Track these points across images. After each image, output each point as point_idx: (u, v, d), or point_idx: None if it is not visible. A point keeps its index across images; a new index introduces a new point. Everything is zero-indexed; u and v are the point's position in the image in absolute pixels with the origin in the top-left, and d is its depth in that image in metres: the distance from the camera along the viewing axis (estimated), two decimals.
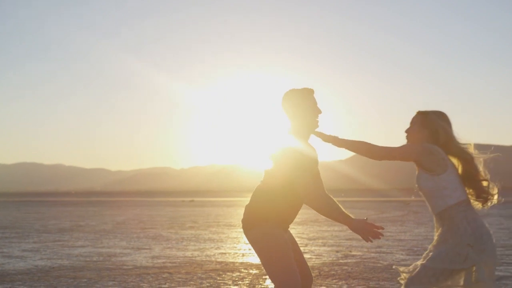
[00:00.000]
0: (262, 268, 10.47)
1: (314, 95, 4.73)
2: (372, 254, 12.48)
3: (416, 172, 4.66)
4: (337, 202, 4.57)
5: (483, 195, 4.68)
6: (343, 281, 9.03)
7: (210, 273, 9.94)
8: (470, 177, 4.67)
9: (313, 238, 16.57)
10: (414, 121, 4.77)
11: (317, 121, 4.70)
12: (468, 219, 4.49)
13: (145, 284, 8.88)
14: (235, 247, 14.48)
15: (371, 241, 4.55)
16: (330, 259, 11.78)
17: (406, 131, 4.79)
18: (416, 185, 4.66)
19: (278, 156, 4.60)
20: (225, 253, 13.04)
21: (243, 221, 4.70)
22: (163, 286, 8.74)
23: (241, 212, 35.32)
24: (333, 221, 4.84)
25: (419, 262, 4.61)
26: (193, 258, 12.11)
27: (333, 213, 4.49)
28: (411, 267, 4.64)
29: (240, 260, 11.78)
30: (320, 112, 4.70)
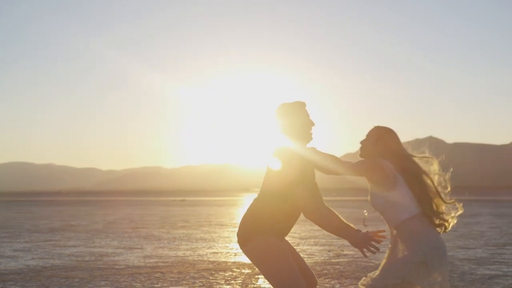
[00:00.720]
0: (254, 267, 10.48)
1: (306, 107, 4.72)
2: None
3: (368, 188, 4.66)
4: (337, 216, 4.55)
5: (435, 219, 4.62)
6: (336, 280, 9.04)
7: (202, 273, 9.93)
8: (422, 194, 4.65)
9: (305, 238, 16.58)
10: (370, 134, 4.75)
11: (311, 134, 4.70)
12: (420, 233, 4.48)
13: (138, 284, 8.86)
14: (227, 246, 14.48)
15: (366, 256, 4.56)
16: (322, 258, 11.79)
17: (361, 143, 4.78)
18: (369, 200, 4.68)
19: (280, 161, 4.55)
20: (217, 253, 13.03)
21: (238, 234, 4.65)
22: (155, 285, 8.73)
23: (232, 211, 35.40)
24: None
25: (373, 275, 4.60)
26: (185, 258, 12.10)
27: (333, 229, 4.48)
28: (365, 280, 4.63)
29: (232, 260, 11.77)
30: (313, 124, 4.70)
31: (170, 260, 11.77)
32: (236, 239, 4.68)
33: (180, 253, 12.93)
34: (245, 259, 11.75)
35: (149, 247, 14.39)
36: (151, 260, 11.70)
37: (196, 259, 11.93)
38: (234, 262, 11.35)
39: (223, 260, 11.76)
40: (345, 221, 4.51)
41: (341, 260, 11.47)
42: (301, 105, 4.69)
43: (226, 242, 15.48)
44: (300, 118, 4.65)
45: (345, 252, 12.78)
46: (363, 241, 4.44)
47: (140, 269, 10.51)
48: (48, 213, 36.57)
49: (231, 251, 13.31)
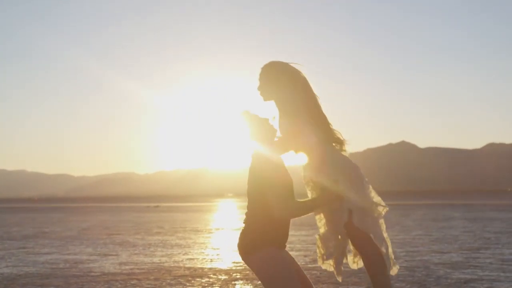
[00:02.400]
0: (231, 273, 10.46)
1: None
2: None
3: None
4: (303, 200, 4.67)
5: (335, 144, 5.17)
6: (314, 286, 9.03)
7: (179, 279, 9.88)
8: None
9: None
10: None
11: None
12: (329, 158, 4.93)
13: None
14: (203, 252, 14.43)
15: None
16: (299, 263, 11.78)
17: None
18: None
19: (254, 168, 4.62)
20: (193, 259, 12.98)
21: (240, 245, 4.64)
22: None
23: (207, 217, 35.23)
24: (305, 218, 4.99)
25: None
26: (161, 264, 12.04)
27: (307, 211, 4.61)
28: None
29: (209, 266, 11.74)
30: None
31: (146, 266, 11.70)
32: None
33: (156, 260, 12.87)
34: (222, 265, 11.73)
35: (124, 253, 14.30)
36: (127, 267, 11.63)
37: (172, 265, 11.88)
38: (210, 268, 11.32)
39: (199, 266, 11.71)
40: (309, 199, 4.70)
41: (317, 265, 11.48)
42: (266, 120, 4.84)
43: (202, 248, 15.43)
44: (268, 125, 4.74)
45: None
46: (330, 196, 4.58)
47: (116, 276, 10.43)
48: (20, 220, 36.19)
49: (207, 257, 13.27)
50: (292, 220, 4.79)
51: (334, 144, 4.94)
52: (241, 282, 9.49)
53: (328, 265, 5.20)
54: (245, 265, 11.75)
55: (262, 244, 4.50)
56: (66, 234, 21.80)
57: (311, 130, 4.77)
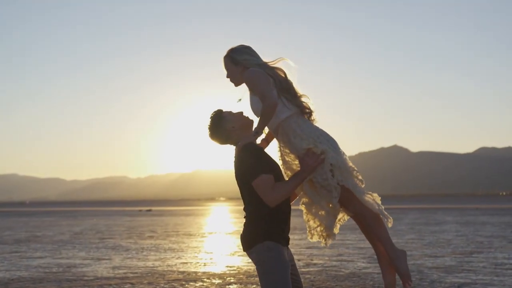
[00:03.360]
0: (225, 277, 10.45)
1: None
2: (334, 263, 12.53)
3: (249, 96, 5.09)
4: (288, 180, 4.70)
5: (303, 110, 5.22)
6: None
7: (172, 283, 9.86)
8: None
9: None
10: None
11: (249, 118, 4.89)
12: (300, 125, 5.08)
13: None
14: (196, 256, 14.41)
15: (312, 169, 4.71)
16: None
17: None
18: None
19: (236, 166, 4.69)
20: (186, 263, 12.96)
21: (242, 238, 4.68)
22: None
23: (199, 221, 35.21)
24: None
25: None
26: (155, 268, 12.01)
27: (294, 187, 4.65)
28: None
29: (202, 270, 11.72)
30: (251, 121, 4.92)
31: (140, 270, 11.67)
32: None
33: (149, 264, 12.84)
34: (216, 269, 11.72)
35: (118, 257, 14.26)
36: (120, 271, 11.60)
37: (165, 269, 11.85)
38: (204, 272, 11.30)
39: (193, 270, 11.70)
40: (293, 175, 4.73)
41: (311, 269, 11.49)
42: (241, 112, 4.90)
43: (195, 252, 15.41)
44: (244, 117, 4.87)
45: (314, 261, 12.80)
46: (312, 162, 4.63)
47: (110, 280, 10.40)
48: (12, 224, 36.06)
49: (200, 261, 13.25)
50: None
51: (306, 116, 5.03)
52: (235, 286, 9.48)
53: (316, 236, 5.20)
54: (239, 268, 11.77)
55: (263, 237, 4.54)
56: (59, 238, 21.74)
57: (283, 103, 4.86)
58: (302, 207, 5.17)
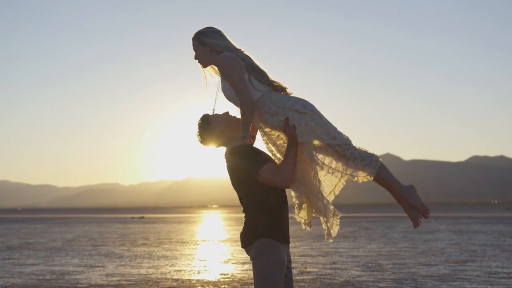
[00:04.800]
0: (219, 285, 10.43)
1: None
2: (328, 271, 12.52)
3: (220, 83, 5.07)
4: (284, 158, 4.69)
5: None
6: None
7: None
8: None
9: None
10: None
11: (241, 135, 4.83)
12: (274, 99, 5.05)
13: None
14: (190, 264, 14.38)
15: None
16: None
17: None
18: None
19: (230, 167, 4.69)
20: (180, 270, 12.93)
21: (241, 236, 4.67)
22: None
23: (192, 228, 35.11)
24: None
25: None
26: (148, 276, 11.98)
27: (292, 159, 4.64)
28: None
29: (196, 277, 11.70)
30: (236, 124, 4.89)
31: (133, 278, 11.64)
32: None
33: (142, 271, 12.81)
34: (209, 277, 11.69)
35: (111, 265, 14.22)
36: (114, 279, 11.56)
37: (159, 277, 11.82)
38: (198, 280, 11.28)
39: (186, 278, 11.67)
40: (286, 150, 4.72)
41: (305, 277, 11.48)
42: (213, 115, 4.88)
43: (189, 260, 15.37)
44: (230, 116, 4.86)
45: (308, 269, 12.79)
46: (292, 129, 4.67)
47: (103, 287, 10.37)
48: (4, 230, 35.92)
49: (194, 269, 13.22)
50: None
51: (279, 92, 5.03)
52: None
53: (301, 216, 5.12)
54: (233, 276, 11.74)
55: (262, 234, 4.53)
56: (51, 245, 21.66)
57: (253, 86, 4.87)
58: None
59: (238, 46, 5.04)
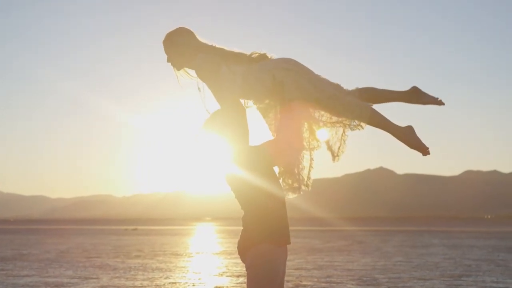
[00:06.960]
0: None
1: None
2: (323, 284, 12.51)
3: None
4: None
5: None
6: None
7: None
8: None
9: None
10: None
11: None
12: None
13: None
14: (185, 276, 14.35)
15: None
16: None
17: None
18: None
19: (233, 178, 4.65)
20: (175, 283, 12.91)
21: (239, 243, 4.62)
22: None
23: (186, 240, 35.02)
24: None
25: None
26: None
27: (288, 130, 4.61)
28: None
29: None
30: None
31: None
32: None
33: (137, 283, 12.78)
34: None
35: (105, 277, 14.18)
36: None
37: None
38: None
39: None
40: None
41: None
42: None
43: (183, 272, 15.35)
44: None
45: (303, 283, 12.78)
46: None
47: None
48: None
49: (189, 281, 13.20)
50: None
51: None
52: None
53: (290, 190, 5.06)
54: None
55: (259, 240, 4.48)
56: (45, 256, 21.59)
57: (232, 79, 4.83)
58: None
59: (210, 43, 4.97)
